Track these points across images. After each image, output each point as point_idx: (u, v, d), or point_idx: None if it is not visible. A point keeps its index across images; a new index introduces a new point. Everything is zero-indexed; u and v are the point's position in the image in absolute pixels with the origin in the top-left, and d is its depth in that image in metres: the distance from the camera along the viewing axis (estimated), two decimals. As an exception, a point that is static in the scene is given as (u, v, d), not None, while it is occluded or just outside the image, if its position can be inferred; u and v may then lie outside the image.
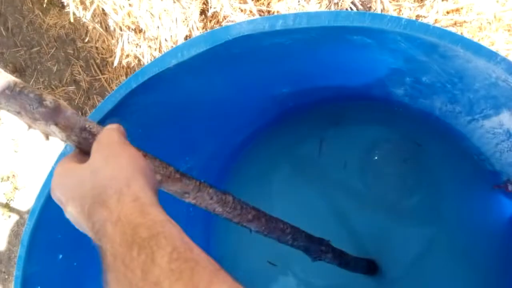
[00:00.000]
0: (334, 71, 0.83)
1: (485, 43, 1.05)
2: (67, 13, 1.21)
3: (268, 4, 1.11)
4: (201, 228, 1.13)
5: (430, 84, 0.78)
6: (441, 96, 0.82)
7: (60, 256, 0.74)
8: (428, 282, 1.00)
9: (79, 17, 1.18)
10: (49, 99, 0.43)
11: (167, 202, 0.85)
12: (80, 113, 0.73)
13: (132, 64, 1.23)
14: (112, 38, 1.22)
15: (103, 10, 1.15)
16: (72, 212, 0.40)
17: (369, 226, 1.05)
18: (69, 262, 0.75)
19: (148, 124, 0.78)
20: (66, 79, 1.81)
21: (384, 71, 0.78)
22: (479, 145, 0.94)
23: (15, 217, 1.74)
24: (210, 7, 1.11)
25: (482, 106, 0.71)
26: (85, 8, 1.16)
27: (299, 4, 1.10)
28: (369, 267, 0.98)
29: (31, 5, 1.93)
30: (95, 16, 1.18)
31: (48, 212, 0.69)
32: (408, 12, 1.06)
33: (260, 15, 1.13)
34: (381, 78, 0.83)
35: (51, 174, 0.68)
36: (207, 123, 0.95)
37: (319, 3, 1.10)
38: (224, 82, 0.79)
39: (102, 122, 0.67)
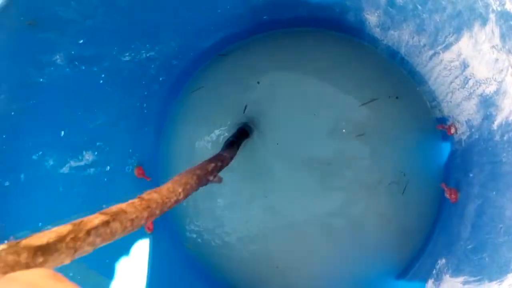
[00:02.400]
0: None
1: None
2: None
3: None
4: (153, 126, 1.11)
5: (402, 7, 0.79)
6: (410, 24, 0.83)
7: (-2, 98, 0.70)
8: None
9: None
10: None
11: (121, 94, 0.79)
12: None
13: None
14: None
15: None
16: None
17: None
18: (7, 108, 0.72)
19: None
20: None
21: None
22: (434, 88, 0.97)
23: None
24: None
25: (446, 32, 0.73)
26: None
27: None
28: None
29: None
30: None
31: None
32: None
33: None
34: (359, -6, 0.83)
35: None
36: (170, 14, 0.92)
37: None
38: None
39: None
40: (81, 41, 0.79)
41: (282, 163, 1.08)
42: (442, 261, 0.87)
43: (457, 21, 0.67)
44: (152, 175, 1.14)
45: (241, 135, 1.03)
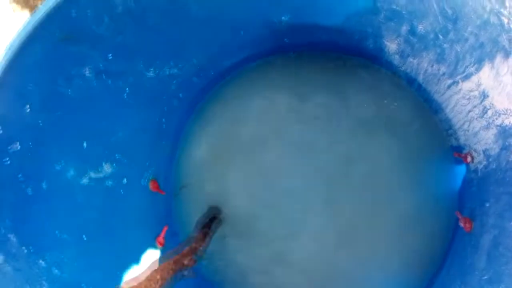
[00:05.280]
0: (338, 4, 0.84)
1: None
2: None
3: None
4: (170, 140, 1.13)
5: (423, 36, 0.81)
6: (430, 53, 0.85)
7: (28, 109, 0.73)
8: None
9: None
10: None
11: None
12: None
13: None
14: None
15: None
16: None
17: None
18: (35, 118, 0.74)
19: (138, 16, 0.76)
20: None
21: (386, 12, 0.80)
22: (451, 116, 0.98)
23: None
24: None
25: (466, 62, 0.75)
26: None
27: None
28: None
29: None
30: None
31: (25, 55, 0.67)
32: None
33: None
34: (380, 23, 0.85)
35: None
36: (195, 33, 0.95)
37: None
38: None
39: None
40: (110, 56, 0.81)
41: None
42: (456, 291, 0.86)
43: (479, 52, 0.68)
44: (166, 189, 1.15)
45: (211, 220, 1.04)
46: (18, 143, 0.72)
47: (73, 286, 0.83)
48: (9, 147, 0.71)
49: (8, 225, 0.72)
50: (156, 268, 0.73)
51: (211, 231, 0.97)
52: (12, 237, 0.73)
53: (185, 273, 0.82)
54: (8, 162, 0.71)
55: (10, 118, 0.70)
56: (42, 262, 0.78)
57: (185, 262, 0.80)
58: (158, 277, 0.70)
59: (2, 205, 0.71)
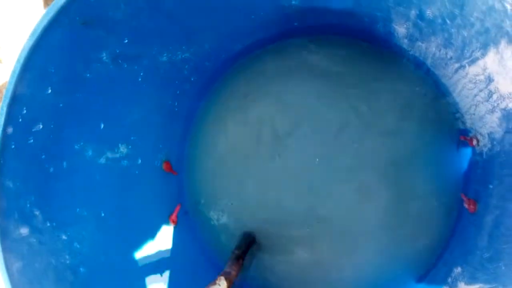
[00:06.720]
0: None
1: None
2: None
3: None
4: (182, 123, 1.17)
5: (431, 21, 0.83)
6: (438, 37, 0.86)
7: (49, 91, 0.76)
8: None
9: None
10: None
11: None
12: None
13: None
14: None
15: None
16: None
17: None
18: (56, 100, 0.78)
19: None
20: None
21: (394, -4, 0.81)
22: (458, 100, 1.00)
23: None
24: None
25: (473, 46, 0.77)
26: None
27: None
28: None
29: None
30: None
31: (48, 39, 0.70)
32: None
33: None
34: (389, 7, 0.86)
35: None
36: (207, 18, 0.97)
37: None
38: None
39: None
40: (126, 41, 0.85)
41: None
42: (457, 270, 0.90)
43: (484, 37, 0.70)
44: (179, 170, 1.19)
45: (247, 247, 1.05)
46: (40, 123, 0.76)
47: (93, 259, 0.88)
48: (32, 127, 0.75)
49: (33, 201, 0.77)
50: None
51: (246, 257, 1.01)
52: (36, 212, 0.78)
53: None
54: (32, 141, 0.75)
55: (34, 100, 0.74)
56: (64, 237, 0.83)
57: None
58: None
59: (27, 182, 0.76)
